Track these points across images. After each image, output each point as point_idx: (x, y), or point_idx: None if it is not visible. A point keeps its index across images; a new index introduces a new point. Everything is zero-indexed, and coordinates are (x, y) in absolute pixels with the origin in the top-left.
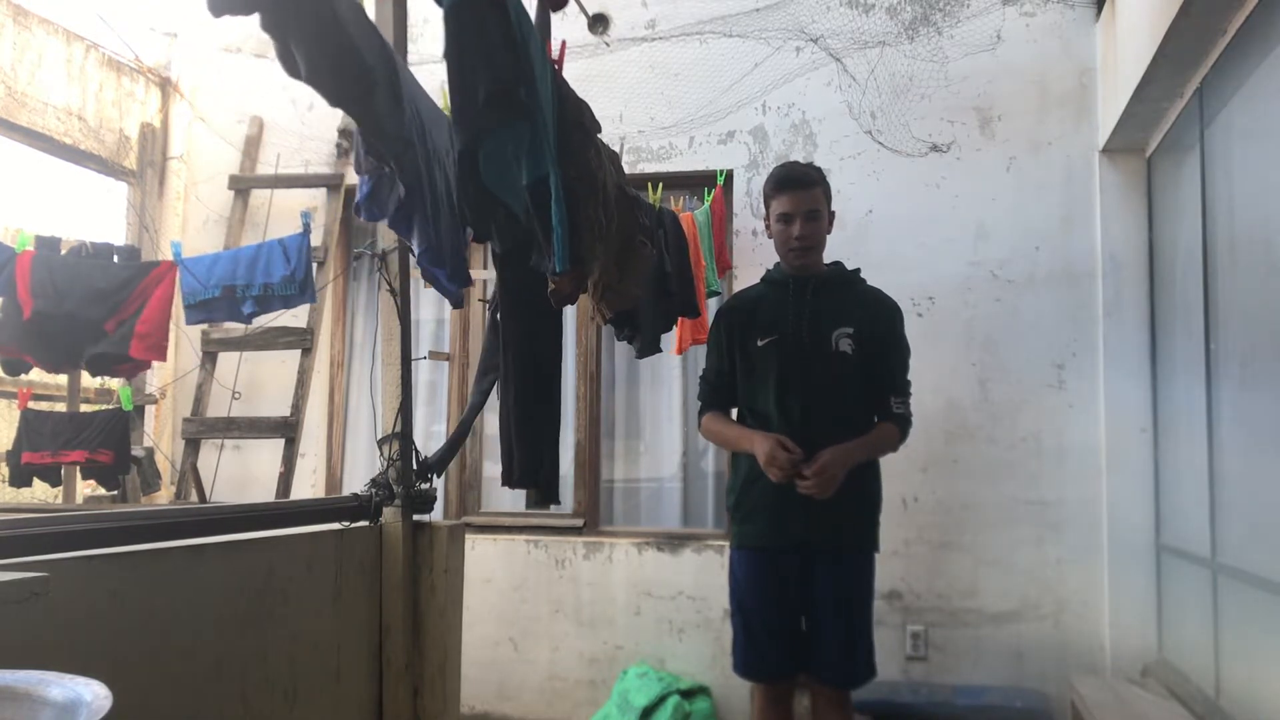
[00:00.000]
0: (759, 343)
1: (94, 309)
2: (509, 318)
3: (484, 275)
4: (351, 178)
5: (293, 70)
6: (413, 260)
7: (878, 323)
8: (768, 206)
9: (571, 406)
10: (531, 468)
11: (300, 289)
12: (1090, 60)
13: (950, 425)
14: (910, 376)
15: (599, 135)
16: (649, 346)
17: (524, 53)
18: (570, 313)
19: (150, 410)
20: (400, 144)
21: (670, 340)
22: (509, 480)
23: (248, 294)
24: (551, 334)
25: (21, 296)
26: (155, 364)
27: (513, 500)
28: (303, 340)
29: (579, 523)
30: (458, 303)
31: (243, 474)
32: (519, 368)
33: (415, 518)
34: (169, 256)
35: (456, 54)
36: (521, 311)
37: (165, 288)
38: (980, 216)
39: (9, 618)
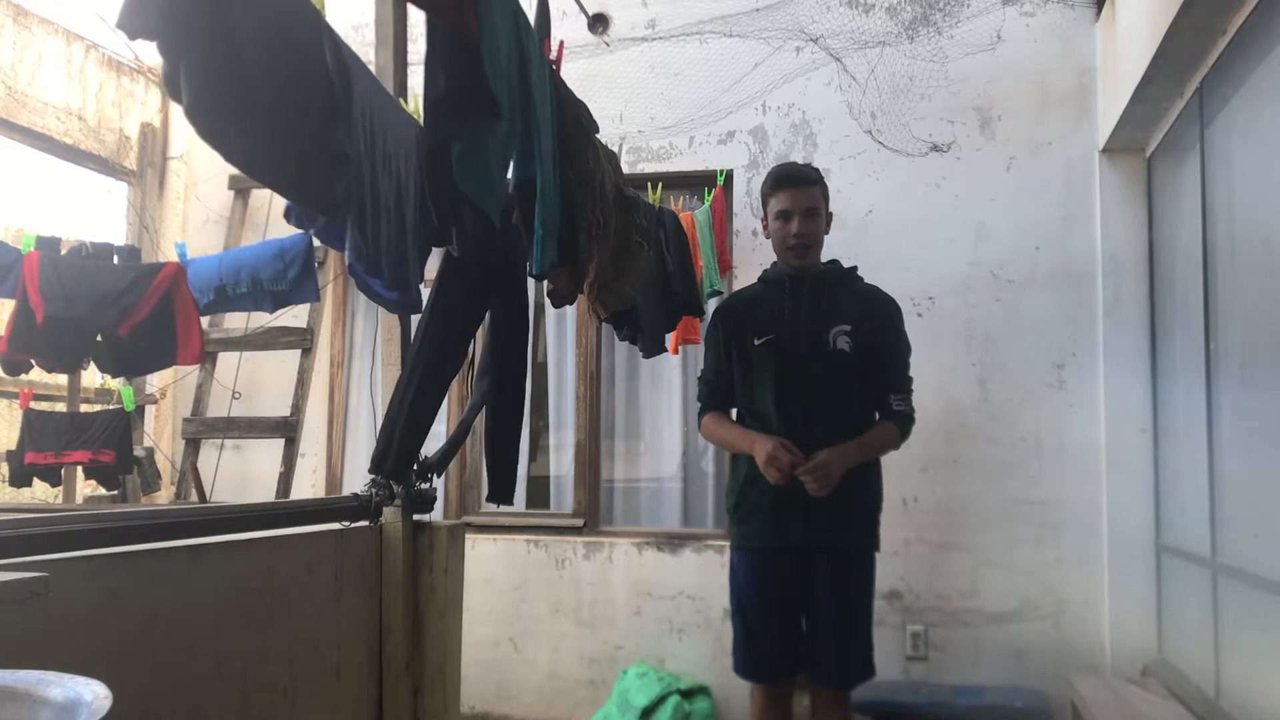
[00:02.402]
0: (756, 342)
1: (103, 312)
2: (436, 318)
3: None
4: None
5: (176, 95)
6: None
7: (876, 319)
8: (765, 206)
9: (571, 406)
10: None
11: (292, 286)
12: (1090, 60)
13: (950, 425)
14: (911, 374)
15: (597, 135)
16: (654, 346)
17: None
18: (570, 312)
19: (150, 410)
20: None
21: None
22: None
23: (236, 291)
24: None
25: (33, 300)
26: None
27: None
28: (303, 340)
29: (579, 523)
30: (401, 310)
31: (243, 474)
32: (426, 366)
33: (415, 518)
34: (171, 257)
35: (429, 53)
36: (451, 317)
37: (184, 297)
38: (980, 216)
39: (9, 618)
